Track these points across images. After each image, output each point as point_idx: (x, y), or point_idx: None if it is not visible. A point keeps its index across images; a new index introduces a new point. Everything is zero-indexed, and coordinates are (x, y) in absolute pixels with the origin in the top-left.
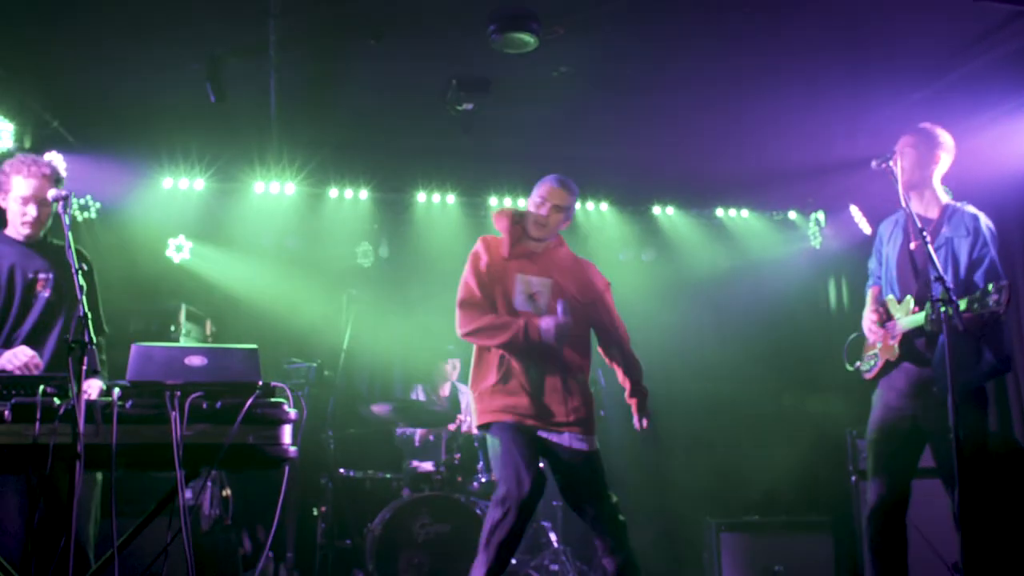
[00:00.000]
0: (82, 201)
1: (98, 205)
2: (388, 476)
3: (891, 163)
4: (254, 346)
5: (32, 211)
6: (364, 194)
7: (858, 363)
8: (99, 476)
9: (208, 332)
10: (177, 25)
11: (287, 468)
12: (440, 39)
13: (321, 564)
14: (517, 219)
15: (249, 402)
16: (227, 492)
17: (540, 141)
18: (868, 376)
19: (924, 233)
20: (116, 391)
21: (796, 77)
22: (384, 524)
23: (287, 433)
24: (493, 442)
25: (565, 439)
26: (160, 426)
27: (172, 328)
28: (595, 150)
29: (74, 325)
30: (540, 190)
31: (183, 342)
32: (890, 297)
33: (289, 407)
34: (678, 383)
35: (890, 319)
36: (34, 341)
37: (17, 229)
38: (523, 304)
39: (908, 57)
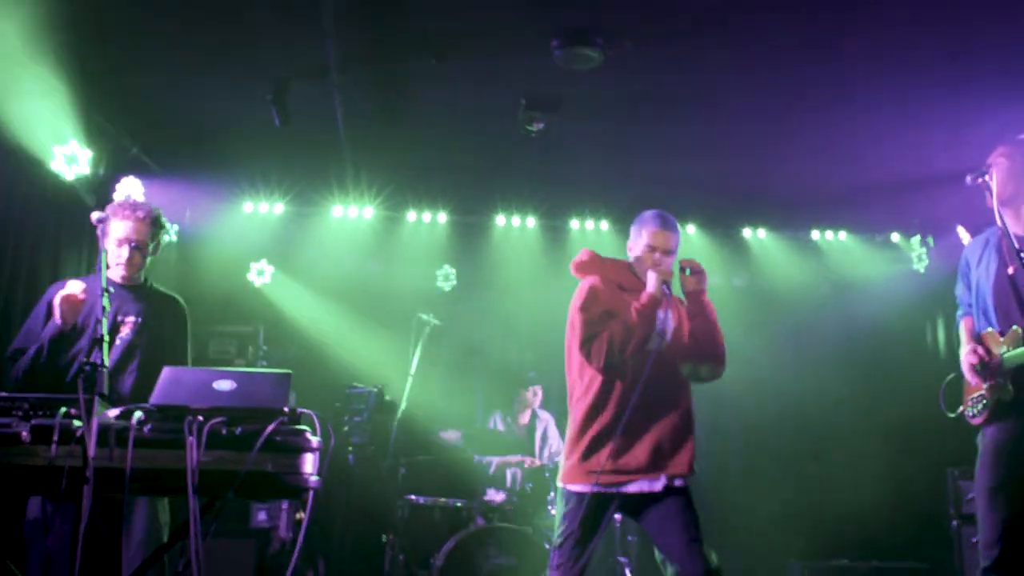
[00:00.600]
0: None
1: (176, 227)
2: (458, 505)
3: (987, 177)
4: (287, 371)
5: (125, 253)
6: (442, 217)
7: (961, 408)
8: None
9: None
10: (244, 49)
11: (310, 497)
12: (507, 57)
13: None
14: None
15: (269, 429)
16: (300, 515)
17: (619, 160)
18: (976, 421)
19: (1021, 253)
20: (136, 414)
21: (895, 87)
22: (447, 555)
23: (309, 462)
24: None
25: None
26: (177, 451)
27: (251, 350)
28: (678, 169)
29: (88, 346)
30: (647, 237)
31: (259, 366)
32: (989, 331)
33: (313, 435)
34: (768, 414)
35: (992, 357)
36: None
37: (115, 270)
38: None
39: (1017, 63)
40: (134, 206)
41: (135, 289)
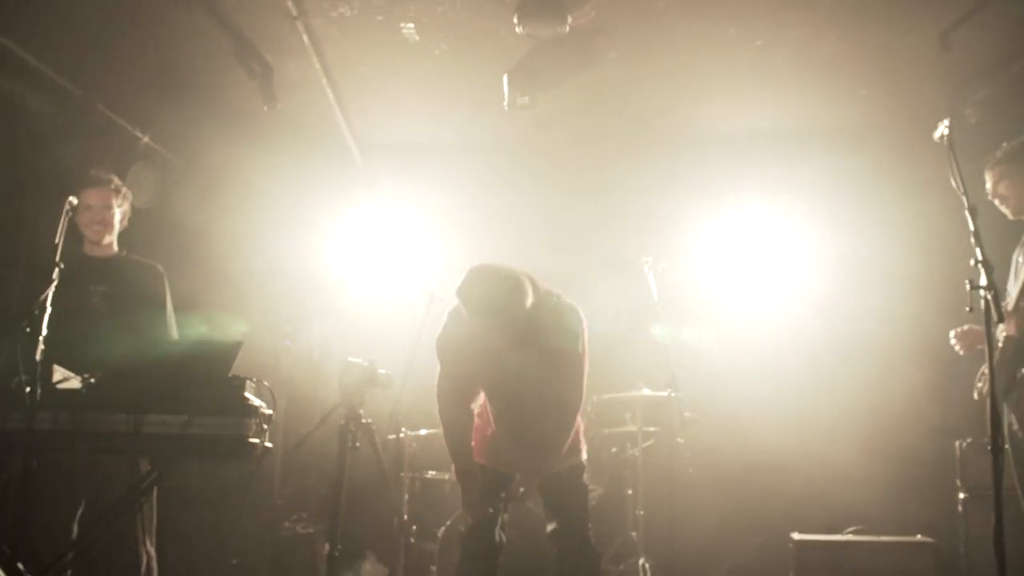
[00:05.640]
0: None
1: None
2: None
3: None
4: (238, 340)
5: (87, 214)
6: None
7: None
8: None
9: None
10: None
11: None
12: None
13: (404, 566)
14: None
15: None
16: None
17: None
18: None
19: None
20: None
21: None
22: (447, 529)
23: (253, 425)
24: None
25: None
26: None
27: None
28: None
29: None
30: None
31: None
32: None
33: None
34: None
35: None
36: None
37: (88, 238)
38: None
39: None
40: (93, 172)
41: (105, 261)
